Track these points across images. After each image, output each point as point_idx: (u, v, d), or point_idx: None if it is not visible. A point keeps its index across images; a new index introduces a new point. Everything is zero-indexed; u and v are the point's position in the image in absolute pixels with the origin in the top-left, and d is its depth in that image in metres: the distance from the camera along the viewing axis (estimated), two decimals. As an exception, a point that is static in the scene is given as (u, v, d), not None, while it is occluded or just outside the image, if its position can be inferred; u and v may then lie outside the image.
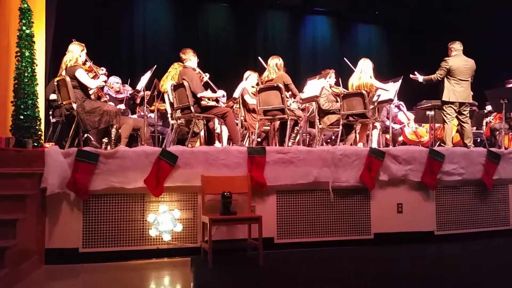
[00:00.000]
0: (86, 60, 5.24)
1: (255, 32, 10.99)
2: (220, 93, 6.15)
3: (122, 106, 6.77)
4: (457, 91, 5.84)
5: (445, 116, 5.93)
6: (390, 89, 5.95)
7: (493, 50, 9.51)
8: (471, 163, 5.39)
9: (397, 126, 8.29)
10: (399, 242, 5.04)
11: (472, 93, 6.04)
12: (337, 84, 6.80)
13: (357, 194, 5.04)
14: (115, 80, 6.88)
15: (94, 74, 5.46)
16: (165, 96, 6.31)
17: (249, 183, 4.53)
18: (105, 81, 5.63)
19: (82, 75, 4.94)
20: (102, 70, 5.53)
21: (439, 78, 5.93)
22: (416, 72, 6.22)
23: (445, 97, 5.90)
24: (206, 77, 6.19)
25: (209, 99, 5.74)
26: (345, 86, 6.65)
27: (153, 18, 10.06)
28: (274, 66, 5.81)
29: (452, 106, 5.88)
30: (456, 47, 6.01)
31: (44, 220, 4.23)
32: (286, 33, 11.29)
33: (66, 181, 4.20)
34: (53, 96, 5.97)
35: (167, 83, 6.03)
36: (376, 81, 6.00)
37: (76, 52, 5.04)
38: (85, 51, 5.14)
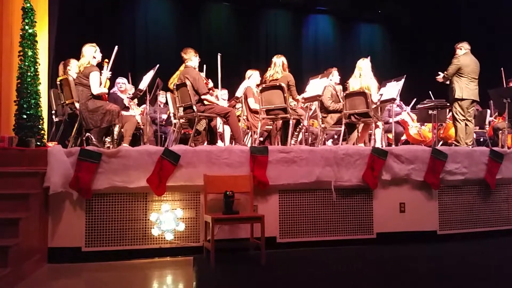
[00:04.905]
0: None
1: (257, 31, 10.99)
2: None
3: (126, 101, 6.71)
4: (470, 89, 5.82)
5: (457, 115, 5.91)
6: (388, 95, 5.92)
7: (496, 49, 9.47)
8: (474, 163, 5.37)
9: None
10: (402, 241, 5.03)
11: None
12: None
13: (360, 194, 5.04)
14: (122, 81, 6.92)
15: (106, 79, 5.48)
16: (169, 96, 6.31)
17: (251, 183, 4.53)
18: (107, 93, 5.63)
19: (94, 77, 4.99)
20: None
21: (447, 75, 5.89)
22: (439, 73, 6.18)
23: (457, 95, 5.87)
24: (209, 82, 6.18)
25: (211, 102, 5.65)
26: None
27: (155, 17, 10.07)
28: (281, 65, 5.77)
29: (462, 104, 5.86)
30: (465, 46, 6.02)
31: (47, 219, 4.23)
32: (288, 32, 11.29)
33: (69, 180, 4.20)
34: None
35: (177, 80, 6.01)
36: (377, 83, 5.97)
37: (89, 54, 5.07)
38: (98, 50, 5.16)
